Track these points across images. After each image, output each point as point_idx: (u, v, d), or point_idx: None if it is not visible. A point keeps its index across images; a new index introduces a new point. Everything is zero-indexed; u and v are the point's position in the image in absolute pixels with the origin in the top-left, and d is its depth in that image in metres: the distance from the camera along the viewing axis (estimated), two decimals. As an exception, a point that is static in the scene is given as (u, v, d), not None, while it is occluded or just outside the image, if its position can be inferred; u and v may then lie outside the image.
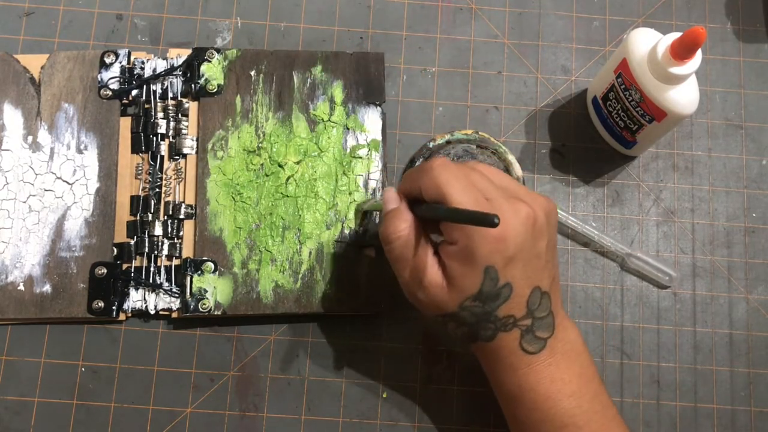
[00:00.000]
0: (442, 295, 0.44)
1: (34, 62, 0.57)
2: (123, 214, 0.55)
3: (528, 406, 0.45)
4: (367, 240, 0.55)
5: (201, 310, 0.52)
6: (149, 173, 0.56)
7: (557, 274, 0.46)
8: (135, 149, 0.56)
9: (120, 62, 0.57)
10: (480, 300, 0.43)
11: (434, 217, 0.44)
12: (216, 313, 0.53)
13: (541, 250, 0.44)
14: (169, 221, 0.55)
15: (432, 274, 0.44)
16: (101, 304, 0.53)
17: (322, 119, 0.57)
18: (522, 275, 0.43)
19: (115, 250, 0.54)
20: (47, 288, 0.53)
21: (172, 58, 0.58)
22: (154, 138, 0.56)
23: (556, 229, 0.46)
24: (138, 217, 0.55)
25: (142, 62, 0.57)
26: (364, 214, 0.55)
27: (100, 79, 0.57)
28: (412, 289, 0.45)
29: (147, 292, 0.54)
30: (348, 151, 0.56)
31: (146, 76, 0.57)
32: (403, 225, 0.44)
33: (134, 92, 0.57)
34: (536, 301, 0.44)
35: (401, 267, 0.45)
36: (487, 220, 0.39)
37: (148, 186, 0.56)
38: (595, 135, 0.60)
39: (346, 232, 0.55)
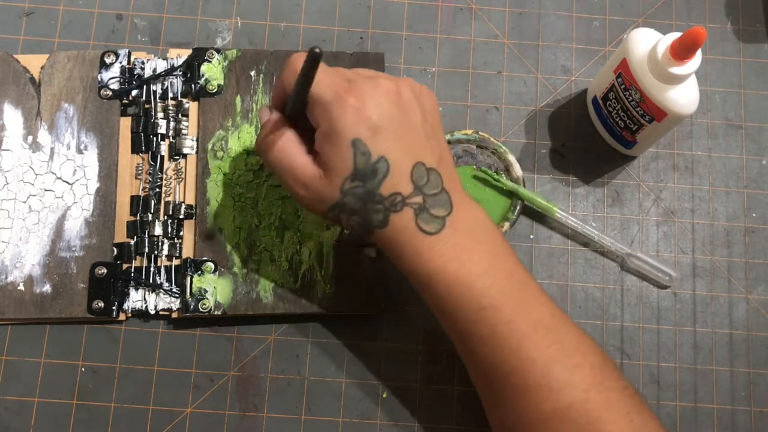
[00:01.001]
0: (322, 185, 0.43)
1: (34, 62, 0.57)
2: (123, 214, 0.55)
3: (441, 292, 0.43)
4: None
5: (201, 310, 0.52)
6: (149, 173, 0.56)
7: (447, 156, 0.45)
8: (135, 149, 0.56)
9: (120, 62, 0.57)
10: (358, 178, 0.42)
11: (293, 101, 0.44)
12: (216, 313, 0.53)
13: (414, 123, 0.43)
14: (169, 221, 0.55)
15: (307, 168, 0.44)
16: (101, 304, 0.53)
17: (322, 119, 0.57)
18: (397, 148, 0.42)
19: (115, 250, 0.54)
20: (47, 288, 0.53)
21: (172, 58, 0.58)
22: (154, 138, 0.56)
23: (435, 112, 0.45)
24: (138, 217, 0.55)
25: (142, 62, 0.57)
26: None
27: (100, 79, 0.57)
28: (297, 192, 0.45)
29: (147, 292, 0.54)
30: None
31: (146, 76, 0.57)
32: (273, 129, 0.45)
33: (134, 92, 0.57)
34: (422, 177, 0.43)
35: (280, 173, 0.45)
36: (310, 55, 0.39)
37: (148, 186, 0.56)
38: (595, 135, 0.60)
39: (346, 232, 0.55)
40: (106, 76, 0.57)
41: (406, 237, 0.43)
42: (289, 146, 0.45)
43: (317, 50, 0.38)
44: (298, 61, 0.42)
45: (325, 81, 0.42)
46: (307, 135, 0.45)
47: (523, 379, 0.42)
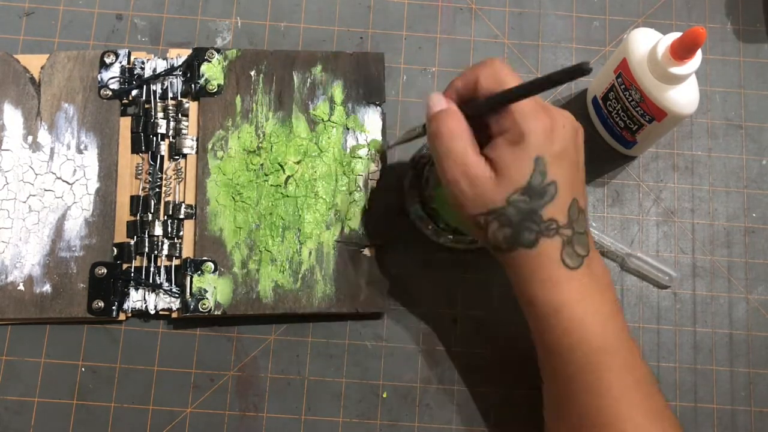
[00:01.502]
0: (490, 187, 0.44)
1: (34, 62, 0.57)
2: (123, 214, 0.55)
3: (562, 326, 0.44)
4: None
5: (201, 310, 0.52)
6: (149, 173, 0.56)
7: (587, 205, 0.47)
8: (135, 149, 0.56)
9: (120, 62, 0.57)
10: (527, 194, 0.43)
11: (490, 105, 0.44)
12: (216, 313, 0.53)
13: (580, 162, 0.45)
14: (169, 221, 0.55)
15: (481, 166, 0.44)
16: (101, 304, 0.53)
17: (322, 119, 0.57)
18: (565, 178, 0.44)
19: (115, 250, 0.54)
20: (47, 288, 0.53)
21: (172, 58, 0.58)
22: (154, 138, 0.56)
23: (583, 159, 0.47)
24: (138, 217, 0.55)
25: (142, 62, 0.57)
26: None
27: (100, 79, 0.57)
28: (459, 185, 0.45)
29: (147, 292, 0.54)
30: (348, 151, 0.56)
31: (146, 76, 0.57)
32: (453, 120, 0.45)
33: (134, 92, 0.57)
34: (575, 214, 0.44)
35: (449, 162, 0.45)
36: (579, 68, 0.39)
37: (148, 186, 0.56)
38: (595, 135, 0.60)
39: (346, 232, 0.55)
40: (106, 76, 0.57)
41: (547, 263, 0.44)
42: (466, 140, 0.45)
43: (590, 67, 0.38)
44: (503, 70, 0.44)
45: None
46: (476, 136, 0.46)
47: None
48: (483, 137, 0.45)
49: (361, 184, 0.56)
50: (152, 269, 0.54)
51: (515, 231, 0.44)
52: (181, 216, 0.55)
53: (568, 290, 0.44)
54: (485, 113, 0.45)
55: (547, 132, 0.43)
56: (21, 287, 0.53)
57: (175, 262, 0.54)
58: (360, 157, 0.56)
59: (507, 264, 0.46)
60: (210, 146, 0.56)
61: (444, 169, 0.45)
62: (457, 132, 0.45)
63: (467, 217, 0.45)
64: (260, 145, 0.56)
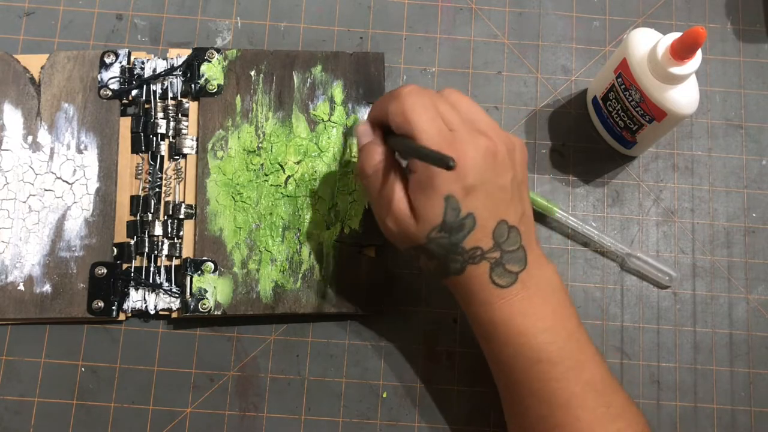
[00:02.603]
0: (410, 226, 0.45)
1: (34, 62, 0.57)
2: (123, 214, 0.55)
3: (501, 341, 0.45)
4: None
5: (201, 310, 0.52)
6: (149, 173, 0.56)
7: (528, 211, 0.47)
8: (135, 149, 0.56)
9: (120, 62, 0.57)
10: (445, 231, 0.44)
11: (399, 150, 0.46)
12: (216, 313, 0.53)
13: (505, 183, 0.45)
14: (169, 221, 0.55)
15: (401, 206, 0.45)
16: (101, 304, 0.53)
17: (322, 119, 0.57)
18: (485, 207, 0.44)
19: (115, 250, 0.54)
20: (47, 288, 0.53)
21: (172, 58, 0.58)
22: (154, 138, 0.56)
23: (524, 166, 0.47)
24: (138, 217, 0.55)
25: (142, 62, 0.57)
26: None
27: (100, 79, 0.57)
28: (386, 222, 0.46)
29: (147, 292, 0.54)
30: (348, 150, 0.56)
31: (146, 76, 0.57)
32: (376, 158, 0.46)
33: (134, 92, 0.57)
34: (503, 234, 0.45)
35: (376, 199, 0.46)
36: (443, 162, 0.40)
37: (148, 186, 0.56)
38: (595, 135, 0.60)
39: (346, 232, 0.55)
40: (106, 76, 0.57)
41: (477, 287, 0.45)
42: (393, 179, 0.46)
43: (452, 164, 0.39)
44: (409, 104, 0.44)
45: (431, 131, 0.43)
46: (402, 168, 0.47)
47: None
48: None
49: (361, 184, 0.56)
50: (152, 269, 0.54)
51: (441, 263, 0.45)
52: (181, 216, 0.55)
53: (501, 308, 0.45)
54: (400, 150, 0.46)
55: (455, 170, 0.42)
56: (21, 287, 0.53)
57: (175, 262, 0.54)
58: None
59: (447, 286, 0.48)
60: (210, 146, 0.56)
61: (373, 205, 0.47)
62: (378, 170, 0.46)
63: (401, 249, 0.47)
64: (260, 145, 0.56)
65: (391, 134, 0.47)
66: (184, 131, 0.57)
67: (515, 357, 0.45)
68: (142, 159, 0.56)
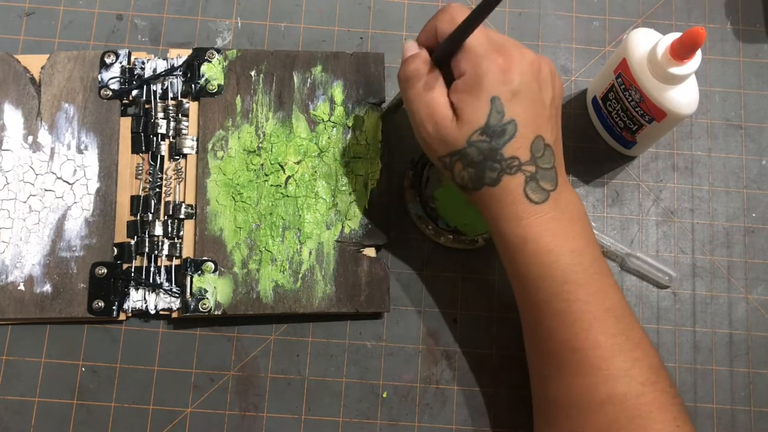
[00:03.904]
0: (452, 129, 0.45)
1: (34, 62, 0.57)
2: (123, 214, 0.55)
3: (530, 259, 0.45)
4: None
5: (201, 310, 0.52)
6: (149, 173, 0.56)
7: (560, 138, 0.47)
8: (135, 149, 0.56)
9: (120, 62, 0.57)
10: (487, 134, 0.44)
11: (452, 41, 0.45)
12: (216, 313, 0.53)
13: (545, 99, 0.46)
14: (170, 221, 0.55)
15: (444, 109, 0.45)
16: (101, 303, 0.53)
17: (322, 119, 0.57)
18: (526, 116, 0.45)
19: (116, 250, 0.54)
20: (47, 288, 0.53)
21: (172, 59, 0.58)
22: (155, 138, 0.56)
23: (561, 93, 0.48)
24: (138, 217, 0.55)
25: (143, 62, 0.57)
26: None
27: (100, 79, 0.57)
28: (426, 127, 0.46)
29: (147, 292, 0.54)
30: (348, 150, 0.56)
31: (146, 76, 0.57)
32: (421, 65, 0.46)
33: (134, 92, 0.57)
34: (540, 149, 0.45)
35: (417, 104, 0.46)
36: (486, 1, 0.40)
37: (148, 186, 0.56)
38: (595, 135, 0.60)
39: (346, 232, 0.55)
40: (106, 76, 0.57)
41: (510, 199, 0.45)
42: (432, 82, 0.46)
43: None
44: (459, 11, 0.45)
45: (480, 36, 0.44)
46: (445, 81, 0.47)
47: (586, 359, 0.44)
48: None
49: (361, 184, 0.56)
50: (152, 269, 0.54)
51: (478, 171, 0.45)
52: (182, 216, 0.55)
53: (531, 224, 0.45)
54: (447, 57, 0.46)
55: (502, 71, 0.44)
56: (21, 287, 0.53)
57: (176, 262, 0.54)
58: (360, 157, 0.56)
59: (476, 202, 0.47)
60: (210, 146, 0.56)
61: (412, 112, 0.47)
62: (422, 75, 0.46)
63: (434, 159, 0.47)
64: (260, 145, 0.56)
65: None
66: (184, 131, 0.57)
67: (542, 276, 0.45)
68: (143, 159, 0.56)
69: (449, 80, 0.46)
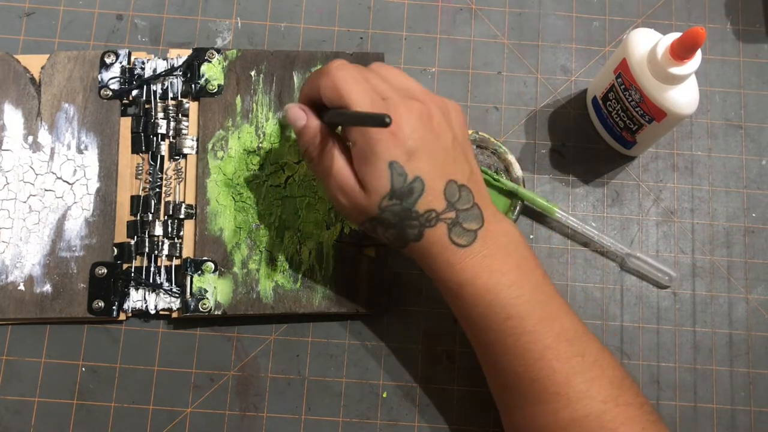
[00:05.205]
0: (361, 199, 0.45)
1: (34, 62, 0.57)
2: (123, 214, 0.55)
3: (470, 301, 0.45)
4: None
5: (201, 310, 0.52)
6: (149, 173, 0.56)
7: (476, 171, 0.47)
8: (135, 149, 0.56)
9: (120, 62, 0.57)
10: (395, 197, 0.44)
11: (335, 122, 0.46)
12: (216, 313, 0.53)
13: (446, 144, 0.45)
14: (170, 221, 0.55)
15: (350, 181, 0.45)
16: (101, 303, 0.53)
17: (322, 119, 0.57)
18: (431, 168, 0.44)
19: (116, 250, 0.54)
20: (47, 288, 0.53)
21: (172, 59, 0.58)
22: (155, 138, 0.56)
23: (463, 127, 0.47)
24: (138, 217, 0.55)
25: (143, 62, 0.57)
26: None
27: (100, 80, 0.57)
28: (338, 199, 0.46)
29: (147, 292, 0.54)
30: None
31: (146, 76, 0.57)
32: (314, 137, 0.46)
33: (134, 92, 0.57)
34: (455, 194, 0.45)
35: (325, 179, 0.46)
36: (379, 120, 0.40)
37: (148, 186, 0.56)
38: (595, 135, 0.60)
39: (346, 232, 0.55)
40: (106, 76, 0.57)
41: (438, 249, 0.45)
42: (337, 155, 0.46)
43: (387, 120, 0.39)
44: (339, 76, 0.44)
45: (363, 101, 0.43)
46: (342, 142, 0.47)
47: (544, 387, 0.44)
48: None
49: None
50: (152, 269, 0.54)
51: (398, 231, 0.45)
52: (182, 216, 0.55)
53: (465, 268, 0.45)
54: (336, 125, 0.46)
55: (393, 135, 0.43)
56: (21, 287, 0.53)
57: (176, 262, 0.54)
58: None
59: (409, 255, 0.47)
60: (210, 146, 0.56)
61: (324, 186, 0.47)
62: (318, 148, 0.46)
63: (356, 224, 0.47)
64: (260, 145, 0.56)
65: (325, 111, 0.47)
66: (184, 131, 0.57)
67: (486, 316, 0.45)
68: (143, 159, 0.56)
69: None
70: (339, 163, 0.45)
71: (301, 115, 0.47)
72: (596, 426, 0.43)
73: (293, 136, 0.56)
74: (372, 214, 0.45)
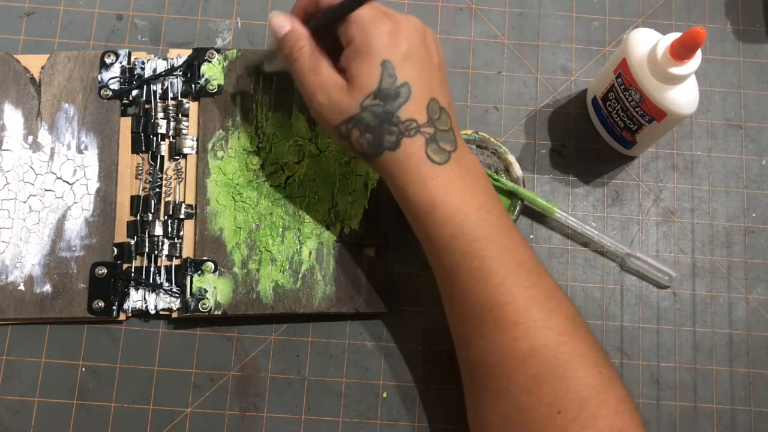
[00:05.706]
0: (344, 96, 0.45)
1: (34, 62, 0.57)
2: (123, 214, 0.55)
3: (439, 221, 0.45)
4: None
5: (201, 310, 0.52)
6: (149, 173, 0.56)
7: (452, 103, 0.48)
8: (135, 149, 0.56)
9: (120, 62, 0.57)
10: (380, 97, 0.44)
11: (321, 24, 0.47)
12: (216, 313, 0.53)
13: (434, 63, 0.46)
14: (169, 221, 0.55)
15: (333, 77, 0.46)
16: (101, 303, 0.53)
17: (322, 119, 0.57)
18: (419, 78, 0.45)
19: (116, 250, 0.54)
20: (47, 288, 0.53)
21: (172, 59, 0.58)
22: (155, 138, 0.56)
23: (444, 62, 0.48)
24: (138, 217, 0.55)
25: (143, 62, 0.57)
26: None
27: (100, 80, 0.57)
28: (317, 98, 0.46)
29: (147, 292, 0.54)
30: (347, 150, 0.56)
31: (146, 76, 0.57)
32: (302, 41, 0.47)
33: (134, 92, 0.57)
34: (436, 111, 0.46)
35: (306, 77, 0.47)
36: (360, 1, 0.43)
37: (148, 186, 0.56)
38: (595, 135, 0.60)
39: (346, 232, 0.55)
40: (106, 76, 0.57)
41: (413, 163, 0.45)
42: (319, 55, 0.47)
43: None
44: None
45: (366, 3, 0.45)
46: (324, 48, 0.48)
47: (504, 314, 0.44)
48: (338, 49, 0.47)
49: (361, 184, 0.56)
50: (152, 269, 0.54)
51: (376, 135, 0.45)
52: (182, 216, 0.55)
53: (438, 186, 0.45)
54: (328, 25, 0.47)
55: (391, 35, 0.45)
56: (21, 287, 0.53)
57: (176, 262, 0.54)
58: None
59: (379, 170, 0.47)
60: (210, 146, 0.56)
61: (302, 85, 0.47)
62: (306, 49, 0.47)
63: (330, 130, 0.47)
64: (260, 145, 0.56)
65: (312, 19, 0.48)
66: (184, 131, 0.57)
67: (453, 236, 0.45)
68: (143, 159, 0.56)
69: (328, 47, 0.47)
70: (323, 61, 0.46)
71: (284, 23, 0.48)
72: (552, 356, 0.43)
73: (293, 135, 0.56)
74: (352, 112, 0.45)
